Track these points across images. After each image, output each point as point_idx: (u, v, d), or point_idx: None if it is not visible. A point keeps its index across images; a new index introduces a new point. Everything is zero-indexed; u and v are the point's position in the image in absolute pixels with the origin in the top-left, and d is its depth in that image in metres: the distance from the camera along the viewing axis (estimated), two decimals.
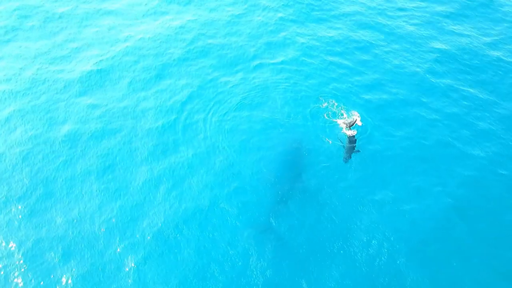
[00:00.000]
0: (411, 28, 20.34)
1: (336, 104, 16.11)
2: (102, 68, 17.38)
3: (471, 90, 17.03)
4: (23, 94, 16.28)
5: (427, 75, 17.78)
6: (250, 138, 14.94)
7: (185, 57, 18.17)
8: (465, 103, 16.52)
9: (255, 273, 11.64)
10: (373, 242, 12.30)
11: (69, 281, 11.43)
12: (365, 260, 11.95)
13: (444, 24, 20.71)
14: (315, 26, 20.28)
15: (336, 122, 15.47)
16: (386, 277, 11.63)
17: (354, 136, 14.57)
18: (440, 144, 14.99)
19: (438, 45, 19.38)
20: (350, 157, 14.23)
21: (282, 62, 18.13)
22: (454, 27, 20.50)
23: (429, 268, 11.84)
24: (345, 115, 15.65)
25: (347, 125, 14.94)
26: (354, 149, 14.32)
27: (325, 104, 16.10)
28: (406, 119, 15.85)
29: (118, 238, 12.25)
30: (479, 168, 14.21)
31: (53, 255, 11.93)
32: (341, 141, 14.67)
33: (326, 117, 15.63)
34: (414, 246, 12.25)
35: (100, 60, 17.72)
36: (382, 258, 11.98)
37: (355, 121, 15.12)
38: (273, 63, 18.03)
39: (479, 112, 16.19)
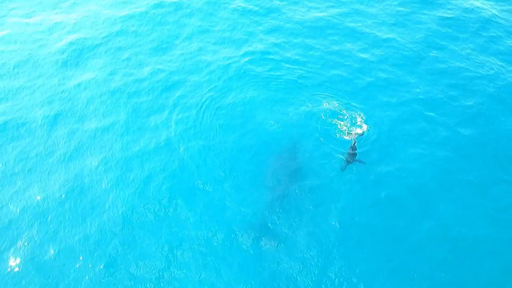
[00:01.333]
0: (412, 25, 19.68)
1: (337, 104, 15.47)
2: (89, 56, 17.40)
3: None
4: (6, 76, 16.51)
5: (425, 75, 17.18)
6: (243, 135, 14.51)
7: (174, 48, 17.84)
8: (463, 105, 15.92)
9: (250, 273, 11.29)
10: (367, 240, 11.99)
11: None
12: (361, 257, 11.68)
13: (439, 26, 19.93)
14: (311, 20, 19.69)
15: (336, 123, 14.78)
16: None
17: (355, 144, 13.82)
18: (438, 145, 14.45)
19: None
20: (349, 165, 13.49)
21: (275, 57, 17.57)
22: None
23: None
24: (346, 116, 14.99)
25: (353, 136, 14.19)
26: (355, 156, 13.55)
27: (325, 105, 15.47)
28: (407, 120, 15.19)
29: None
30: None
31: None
32: (341, 154, 13.91)
33: (323, 117, 15.01)
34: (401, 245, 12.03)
35: (87, 47, 17.78)
36: (376, 258, 11.74)
37: (362, 133, 14.41)
38: (265, 58, 17.50)
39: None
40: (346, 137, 14.32)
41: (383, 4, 20.65)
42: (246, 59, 17.39)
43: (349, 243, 11.92)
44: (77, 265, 11.39)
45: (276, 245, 11.89)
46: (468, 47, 18.25)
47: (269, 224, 12.29)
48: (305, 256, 11.64)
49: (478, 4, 20.67)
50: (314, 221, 12.34)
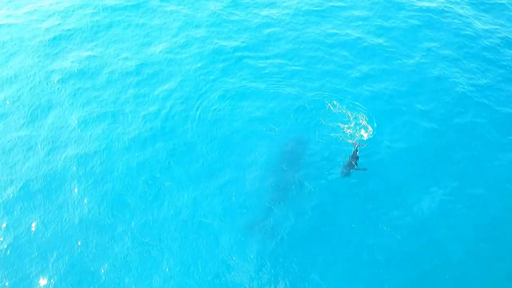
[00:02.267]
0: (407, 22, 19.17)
1: (339, 105, 14.84)
2: (78, 49, 17.16)
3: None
4: None
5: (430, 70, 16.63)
6: (237, 136, 14.07)
7: (169, 47, 17.33)
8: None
9: (245, 272, 11.13)
10: (361, 240, 11.83)
11: None
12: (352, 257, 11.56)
13: (434, 17, 19.49)
14: (310, 18, 19.05)
15: (339, 125, 14.18)
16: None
17: (357, 153, 13.12)
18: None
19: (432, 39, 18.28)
20: (349, 172, 12.89)
21: (273, 55, 17.00)
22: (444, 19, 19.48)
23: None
24: (351, 118, 14.38)
25: (355, 144, 13.40)
26: (356, 164, 12.92)
27: (328, 105, 14.85)
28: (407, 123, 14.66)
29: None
30: None
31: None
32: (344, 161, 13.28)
33: (323, 123, 14.35)
34: (394, 248, 11.77)
35: (77, 39, 17.61)
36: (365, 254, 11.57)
37: (365, 142, 13.66)
38: (260, 56, 16.93)
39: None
40: (349, 141, 13.75)
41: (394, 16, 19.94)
42: (239, 55, 16.89)
43: (336, 245, 11.78)
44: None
45: (269, 244, 11.69)
46: (455, 46, 17.83)
47: (264, 224, 12.05)
48: (296, 256, 11.48)
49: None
50: (309, 222, 12.11)
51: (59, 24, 18.39)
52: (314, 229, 11.98)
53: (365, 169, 12.96)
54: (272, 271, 11.17)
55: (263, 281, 10.97)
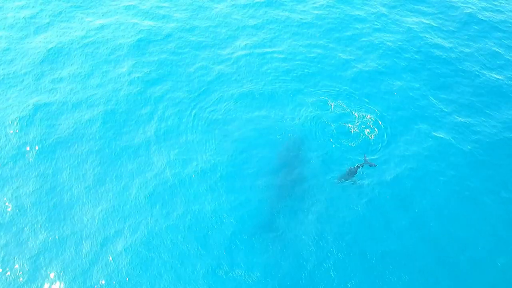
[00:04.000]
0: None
1: (345, 105, 14.44)
2: (68, 54, 16.38)
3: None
4: None
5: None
6: (238, 139, 13.65)
7: (164, 44, 16.93)
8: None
9: (238, 274, 10.87)
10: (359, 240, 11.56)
11: None
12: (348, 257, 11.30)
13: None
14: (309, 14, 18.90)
15: (345, 125, 13.82)
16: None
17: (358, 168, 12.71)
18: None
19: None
20: (344, 180, 12.61)
21: (271, 52, 16.69)
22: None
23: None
24: (356, 117, 14.05)
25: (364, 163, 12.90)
26: (355, 174, 12.59)
27: (332, 104, 14.47)
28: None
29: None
30: None
31: None
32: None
33: (331, 125, 13.94)
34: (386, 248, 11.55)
35: (65, 44, 16.84)
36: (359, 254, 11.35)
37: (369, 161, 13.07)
38: (258, 54, 16.58)
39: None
40: (351, 144, 13.47)
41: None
42: (237, 55, 16.50)
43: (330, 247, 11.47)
44: None
45: (262, 246, 11.41)
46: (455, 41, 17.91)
47: (258, 225, 11.79)
48: (289, 258, 11.25)
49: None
50: (303, 224, 11.85)
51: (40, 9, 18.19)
52: (309, 231, 11.74)
53: (357, 183, 12.61)
54: (265, 273, 10.94)
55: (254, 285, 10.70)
